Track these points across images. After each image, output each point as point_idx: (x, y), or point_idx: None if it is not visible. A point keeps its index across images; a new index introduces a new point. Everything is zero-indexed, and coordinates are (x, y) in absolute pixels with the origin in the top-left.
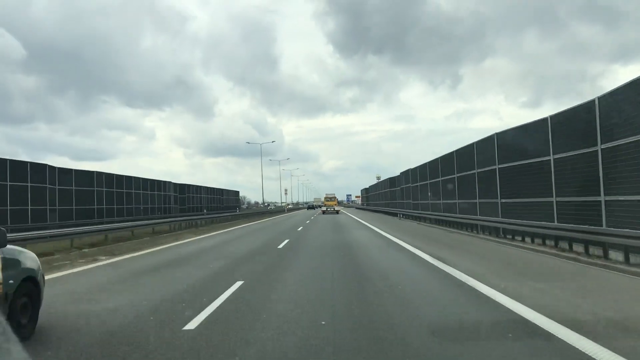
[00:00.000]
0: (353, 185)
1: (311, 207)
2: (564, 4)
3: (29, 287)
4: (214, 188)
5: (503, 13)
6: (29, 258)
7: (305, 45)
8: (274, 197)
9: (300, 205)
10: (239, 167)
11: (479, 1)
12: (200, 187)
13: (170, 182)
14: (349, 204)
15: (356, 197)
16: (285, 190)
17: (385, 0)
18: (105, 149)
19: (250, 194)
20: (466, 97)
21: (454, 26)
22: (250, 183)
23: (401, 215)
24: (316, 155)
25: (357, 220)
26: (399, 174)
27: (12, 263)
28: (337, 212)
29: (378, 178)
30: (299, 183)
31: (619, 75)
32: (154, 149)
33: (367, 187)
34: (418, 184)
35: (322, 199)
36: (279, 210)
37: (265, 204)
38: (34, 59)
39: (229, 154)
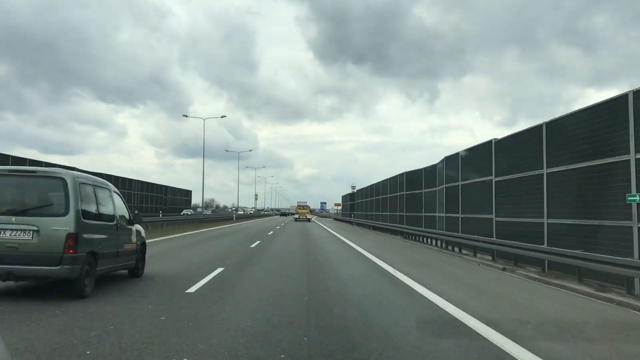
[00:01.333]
0: (327, 194)
1: (284, 214)
2: (543, 26)
3: (143, 247)
4: (154, 184)
5: (484, 31)
6: (143, 231)
7: (286, 50)
8: (246, 202)
9: (266, 212)
10: (211, 169)
11: (461, 18)
12: (133, 180)
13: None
14: (322, 212)
15: (335, 205)
16: (256, 195)
17: (368, 10)
18: (76, 143)
19: (221, 197)
20: (443, 112)
21: (435, 41)
22: (222, 186)
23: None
24: (291, 162)
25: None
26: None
27: (139, 233)
28: (309, 220)
29: (353, 188)
30: (271, 189)
31: (591, 100)
32: (124, 146)
33: (354, 191)
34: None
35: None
36: (227, 217)
37: (233, 209)
38: (4, 45)
39: (201, 155)
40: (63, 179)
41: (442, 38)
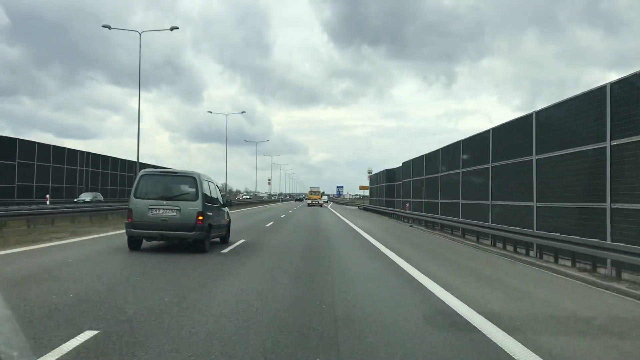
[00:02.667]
0: (340, 180)
1: (299, 199)
2: (564, 7)
3: (229, 223)
4: (108, 157)
5: (503, 12)
6: (228, 212)
7: (300, 33)
8: (260, 187)
9: (274, 198)
10: (225, 154)
11: None
12: (83, 152)
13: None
14: (338, 198)
15: (361, 188)
16: (269, 180)
17: None
18: (91, 127)
19: (235, 183)
20: (460, 96)
21: (453, 22)
22: (236, 171)
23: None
24: (305, 147)
25: None
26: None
27: (228, 213)
28: (321, 205)
29: (369, 172)
30: (284, 174)
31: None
32: (140, 130)
33: (393, 167)
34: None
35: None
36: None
37: (244, 194)
38: (18, 28)
39: (216, 140)
40: (194, 177)
41: (461, 19)
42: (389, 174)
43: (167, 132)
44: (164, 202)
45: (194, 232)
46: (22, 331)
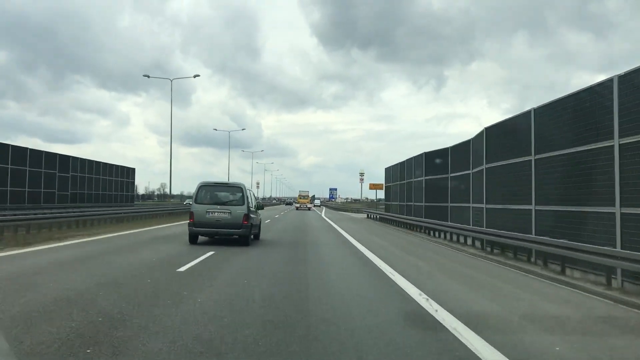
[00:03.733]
0: (331, 183)
1: (289, 203)
2: (554, 10)
3: (260, 224)
4: (67, 157)
5: (493, 16)
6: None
7: (289, 36)
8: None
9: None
10: (215, 158)
11: (471, 1)
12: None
13: None
14: (331, 202)
15: (372, 187)
16: (257, 183)
17: None
18: (78, 132)
19: None
20: (449, 99)
21: (443, 26)
22: (226, 175)
23: None
24: (295, 151)
25: None
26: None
27: (260, 215)
28: (309, 208)
29: (361, 174)
30: (273, 178)
31: None
32: (128, 134)
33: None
34: None
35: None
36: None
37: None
38: (3, 31)
39: (205, 144)
40: (241, 187)
41: (451, 23)
42: (434, 157)
43: (156, 136)
44: (218, 207)
45: (241, 230)
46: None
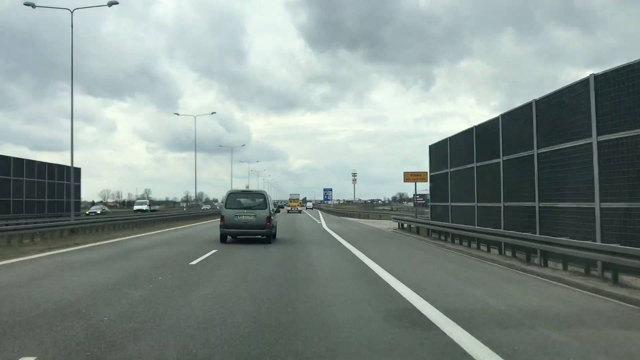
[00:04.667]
0: (323, 185)
1: (280, 206)
2: (540, 6)
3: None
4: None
5: (480, 13)
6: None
7: (276, 38)
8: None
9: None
10: (204, 163)
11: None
12: None
13: None
14: (327, 204)
15: (411, 177)
16: (247, 186)
17: None
18: (65, 139)
19: (214, 191)
20: (438, 99)
21: (431, 25)
22: (216, 180)
23: None
24: (285, 154)
25: None
26: None
27: (277, 216)
28: (300, 211)
29: (354, 174)
30: (264, 182)
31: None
32: (115, 141)
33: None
34: None
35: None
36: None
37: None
38: None
39: (194, 149)
40: (264, 194)
41: (438, 21)
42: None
43: (144, 142)
44: (245, 211)
45: (264, 230)
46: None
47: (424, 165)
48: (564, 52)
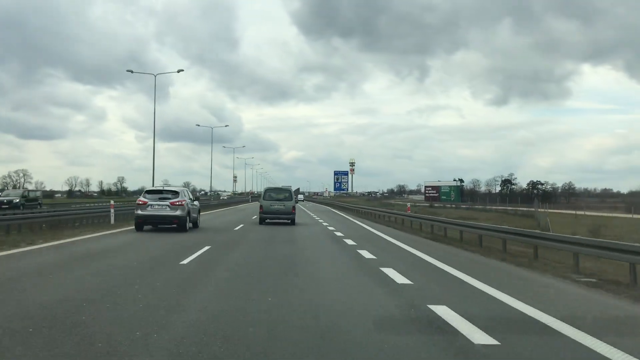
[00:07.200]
0: (314, 177)
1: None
2: None
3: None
4: None
5: (479, 2)
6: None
7: (268, 25)
8: (228, 185)
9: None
10: (194, 153)
11: None
12: None
13: None
14: (341, 196)
15: None
16: (235, 177)
17: None
18: (54, 127)
19: (204, 182)
20: (432, 90)
21: (427, 13)
22: (206, 170)
23: None
24: (276, 145)
25: None
26: None
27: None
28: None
29: (352, 163)
30: (255, 173)
31: (587, 77)
32: (105, 129)
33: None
34: None
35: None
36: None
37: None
38: None
39: (184, 139)
40: (289, 189)
41: (435, 10)
42: None
43: (134, 131)
44: (277, 201)
45: (290, 215)
46: None
47: (415, 159)
48: (562, 44)
